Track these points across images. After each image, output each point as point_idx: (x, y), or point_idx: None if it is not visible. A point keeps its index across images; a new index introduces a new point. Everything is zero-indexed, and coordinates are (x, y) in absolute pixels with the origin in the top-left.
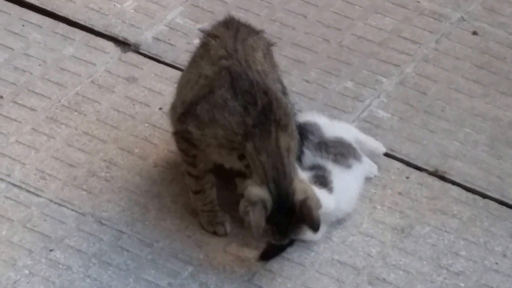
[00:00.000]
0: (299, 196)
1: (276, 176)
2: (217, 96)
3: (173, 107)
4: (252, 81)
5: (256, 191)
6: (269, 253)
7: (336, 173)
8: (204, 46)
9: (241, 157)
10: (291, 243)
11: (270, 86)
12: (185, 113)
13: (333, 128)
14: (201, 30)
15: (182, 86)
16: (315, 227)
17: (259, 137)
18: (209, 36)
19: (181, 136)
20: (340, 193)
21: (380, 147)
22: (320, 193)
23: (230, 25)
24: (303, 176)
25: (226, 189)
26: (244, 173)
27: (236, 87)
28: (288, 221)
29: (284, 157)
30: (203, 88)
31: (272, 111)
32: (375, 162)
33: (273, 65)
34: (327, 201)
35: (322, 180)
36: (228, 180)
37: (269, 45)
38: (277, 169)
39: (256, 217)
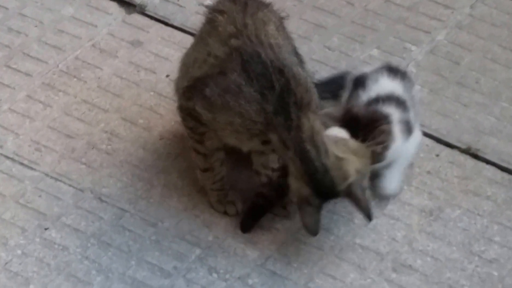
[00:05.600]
0: (340, 183)
1: (308, 170)
2: (229, 81)
3: (178, 82)
4: (265, 62)
5: (296, 186)
6: (249, 218)
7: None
8: (211, 23)
9: (265, 142)
10: (271, 205)
11: (285, 62)
12: (190, 88)
13: None
14: (206, 6)
15: (188, 65)
16: (366, 215)
17: (283, 127)
18: (215, 11)
19: (188, 113)
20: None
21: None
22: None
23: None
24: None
25: (238, 165)
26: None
27: (249, 70)
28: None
29: (310, 151)
30: (213, 68)
31: (291, 92)
32: None
33: (287, 38)
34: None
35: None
36: (239, 156)
37: (280, 18)
38: (307, 164)
39: (306, 220)
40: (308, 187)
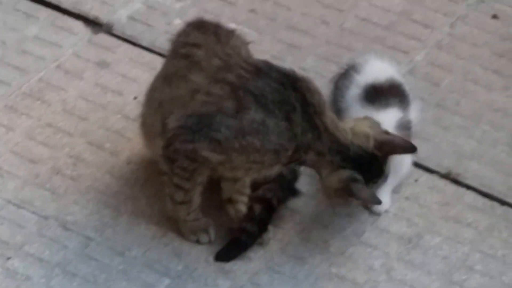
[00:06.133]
0: (368, 145)
1: (344, 154)
2: (246, 121)
3: (153, 121)
4: (278, 87)
5: (335, 179)
6: (229, 252)
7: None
8: (187, 58)
9: (289, 163)
10: (253, 241)
11: (293, 75)
12: (187, 129)
13: None
14: (175, 41)
15: (164, 104)
16: (411, 150)
17: (314, 140)
18: (189, 46)
19: (185, 155)
20: None
21: None
22: None
23: (206, 29)
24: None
25: (209, 191)
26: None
27: (267, 103)
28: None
29: (340, 138)
30: (206, 106)
31: (310, 104)
32: None
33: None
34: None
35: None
36: (210, 181)
37: (246, 44)
38: (341, 152)
39: (363, 195)
40: (346, 168)
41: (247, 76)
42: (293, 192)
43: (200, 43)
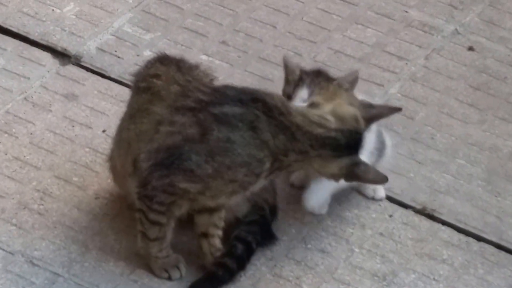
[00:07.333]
0: (359, 127)
1: (331, 143)
2: (212, 143)
3: (125, 162)
4: (235, 102)
5: (336, 168)
6: (204, 286)
7: None
8: (147, 91)
9: (271, 173)
10: (230, 277)
11: (250, 89)
12: (160, 166)
13: None
14: (135, 75)
15: (131, 143)
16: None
17: (289, 140)
18: (149, 77)
19: (162, 190)
20: None
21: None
22: None
23: (168, 62)
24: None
25: (179, 226)
26: (208, 208)
27: (229, 120)
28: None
29: (319, 132)
30: (172, 136)
31: (273, 108)
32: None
33: None
34: None
35: None
36: (179, 219)
37: (211, 78)
38: (327, 144)
39: (371, 177)
40: (344, 156)
41: (205, 99)
42: (270, 237)
43: (160, 73)
